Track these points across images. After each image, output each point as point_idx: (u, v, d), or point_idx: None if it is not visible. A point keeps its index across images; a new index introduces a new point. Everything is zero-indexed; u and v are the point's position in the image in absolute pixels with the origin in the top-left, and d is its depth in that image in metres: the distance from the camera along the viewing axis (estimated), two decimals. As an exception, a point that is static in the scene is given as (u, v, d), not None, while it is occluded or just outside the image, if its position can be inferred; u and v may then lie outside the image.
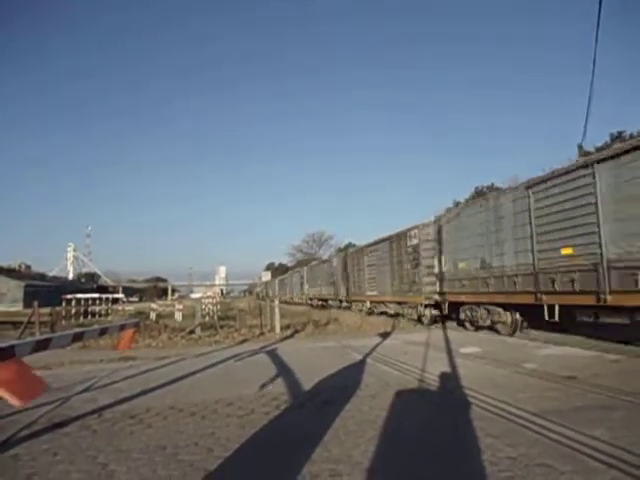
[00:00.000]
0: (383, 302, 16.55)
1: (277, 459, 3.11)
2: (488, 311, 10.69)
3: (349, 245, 51.74)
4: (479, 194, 36.51)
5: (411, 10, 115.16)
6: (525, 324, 10.27)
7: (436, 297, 12.65)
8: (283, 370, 6.68)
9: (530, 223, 8.94)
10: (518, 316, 10.10)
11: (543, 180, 8.75)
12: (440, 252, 12.42)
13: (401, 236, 14.76)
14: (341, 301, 21.88)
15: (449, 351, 8.09)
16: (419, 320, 13.64)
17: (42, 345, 3.58)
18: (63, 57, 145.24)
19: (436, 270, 12.62)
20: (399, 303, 15.09)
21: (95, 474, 2.93)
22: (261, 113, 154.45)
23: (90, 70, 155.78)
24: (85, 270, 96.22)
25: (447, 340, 9.70)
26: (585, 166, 7.70)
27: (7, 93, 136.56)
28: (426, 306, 13.22)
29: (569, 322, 9.04)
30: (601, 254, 7.28)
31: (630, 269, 6.80)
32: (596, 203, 7.41)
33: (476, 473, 2.75)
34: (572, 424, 3.55)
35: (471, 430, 3.54)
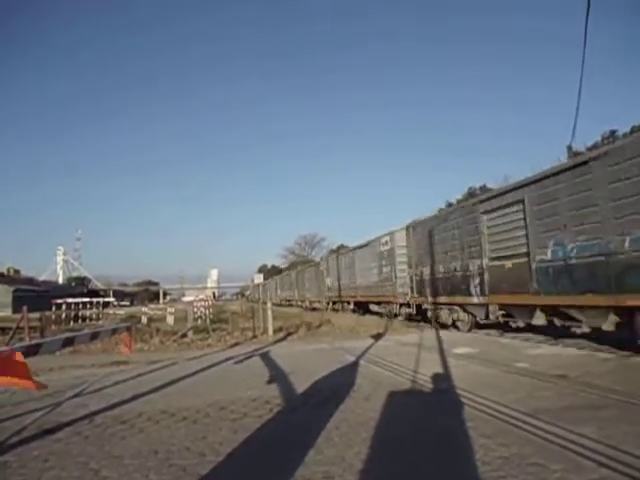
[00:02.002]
0: (313, 301, 27.93)
1: (270, 463, 3.10)
2: (349, 304, 21.46)
3: (341, 246, 51.81)
4: (472, 195, 37.02)
5: (404, 8, 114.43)
6: (361, 311, 19.38)
7: (329, 299, 24.22)
8: (276, 373, 6.66)
9: (355, 266, 19.92)
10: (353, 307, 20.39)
11: (359, 247, 19.69)
12: (329, 275, 24.49)
13: (318, 263, 29.12)
14: (296, 300, 33.85)
15: (441, 352, 8.13)
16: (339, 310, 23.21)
17: (32, 350, 3.54)
18: (56, 57, 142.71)
19: (328, 284, 24.56)
20: (319, 302, 25.57)
21: (86, 480, 2.90)
22: (252, 115, 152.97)
23: (80, 70, 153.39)
24: (75, 274, 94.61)
25: (440, 341, 9.74)
26: (367, 244, 18.41)
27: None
28: (327, 302, 23.96)
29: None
30: (359, 282, 18.84)
31: (385, 283, 16.62)
32: (381, 260, 17.14)
33: (469, 473, 2.77)
34: (563, 423, 3.59)
35: (464, 430, 3.56)
